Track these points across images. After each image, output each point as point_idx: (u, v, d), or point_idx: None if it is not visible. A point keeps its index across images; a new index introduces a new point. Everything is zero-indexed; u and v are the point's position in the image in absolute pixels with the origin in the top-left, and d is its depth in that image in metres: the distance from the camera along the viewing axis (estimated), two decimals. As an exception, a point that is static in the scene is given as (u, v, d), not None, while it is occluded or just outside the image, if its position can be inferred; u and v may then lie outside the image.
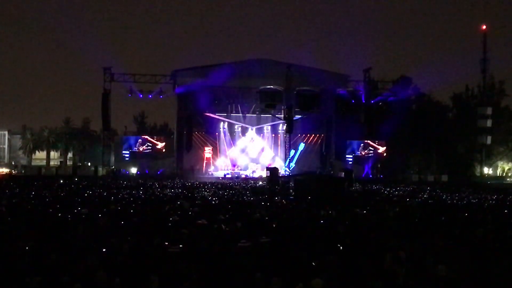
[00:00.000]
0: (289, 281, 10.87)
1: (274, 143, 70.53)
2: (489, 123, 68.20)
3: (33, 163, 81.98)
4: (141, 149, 65.23)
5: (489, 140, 68.94)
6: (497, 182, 64.17)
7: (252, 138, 70.03)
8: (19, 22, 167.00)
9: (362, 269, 12.24)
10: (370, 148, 68.19)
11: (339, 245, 14.33)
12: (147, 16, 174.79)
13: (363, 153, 68.27)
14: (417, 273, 12.57)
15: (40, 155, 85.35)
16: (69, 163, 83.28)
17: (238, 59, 65.52)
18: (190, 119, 67.09)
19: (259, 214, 21.00)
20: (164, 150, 66.16)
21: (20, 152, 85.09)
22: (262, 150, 69.93)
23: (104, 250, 13.21)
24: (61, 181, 47.08)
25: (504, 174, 76.57)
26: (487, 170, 73.54)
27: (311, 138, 70.38)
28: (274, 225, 17.99)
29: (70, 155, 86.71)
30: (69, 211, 21.04)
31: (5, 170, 70.21)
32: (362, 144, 68.23)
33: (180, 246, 13.63)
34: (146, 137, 67.23)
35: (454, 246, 14.33)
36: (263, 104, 65.94)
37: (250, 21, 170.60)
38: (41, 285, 10.57)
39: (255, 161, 68.84)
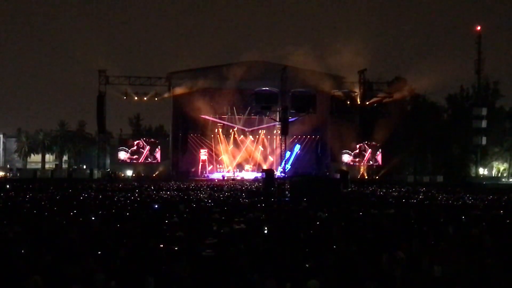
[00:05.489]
0: (285, 283, 10.87)
1: (269, 145, 70.52)
2: (484, 123, 68.40)
3: (28, 166, 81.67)
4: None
5: (484, 140, 69.16)
6: (492, 183, 64.40)
7: (247, 140, 70.01)
8: (13, 25, 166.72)
9: (359, 269, 12.25)
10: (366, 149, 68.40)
11: (335, 246, 14.34)
12: (142, 19, 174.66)
13: (359, 155, 68.44)
14: (413, 273, 12.59)
15: (35, 158, 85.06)
16: (65, 166, 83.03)
17: (233, 61, 65.47)
18: (185, 121, 67.08)
19: (253, 215, 21.00)
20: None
21: (15, 155, 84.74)
22: (258, 152, 69.91)
23: (99, 253, 13.19)
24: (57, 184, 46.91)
25: (499, 175, 76.83)
26: (482, 171, 73.80)
27: (307, 139, 70.48)
28: (268, 227, 17.96)
29: (65, 158, 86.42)
30: (65, 214, 20.98)
31: (0, 173, 69.94)
32: (357, 146, 68.41)
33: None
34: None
35: (449, 247, 14.35)
36: (259, 106, 66.05)
37: (245, 23, 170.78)
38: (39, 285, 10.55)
39: (250, 163, 68.88)
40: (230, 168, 68.04)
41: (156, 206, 25.08)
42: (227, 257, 13.09)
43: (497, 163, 77.79)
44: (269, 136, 70.70)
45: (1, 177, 64.18)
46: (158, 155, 66.03)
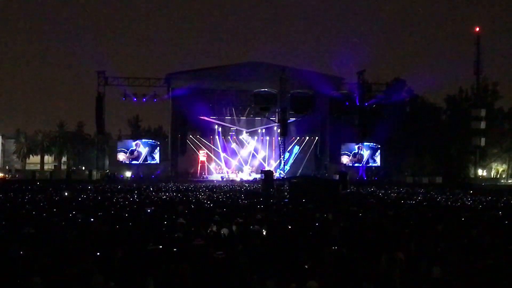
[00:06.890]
0: (284, 284, 10.87)
1: (268, 146, 70.58)
2: (482, 125, 68.26)
3: (27, 167, 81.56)
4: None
5: (483, 141, 69.03)
6: (491, 184, 64.38)
7: (246, 141, 70.04)
8: (12, 26, 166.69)
9: (357, 270, 12.25)
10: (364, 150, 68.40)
11: (334, 247, 14.33)
12: (141, 20, 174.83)
13: (358, 156, 68.42)
14: (412, 274, 12.60)
15: (34, 159, 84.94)
16: (63, 167, 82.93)
17: (232, 62, 65.60)
18: (184, 122, 67.10)
19: (260, 216, 21.01)
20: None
21: (14, 156, 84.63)
22: (257, 153, 69.95)
23: (98, 254, 13.19)
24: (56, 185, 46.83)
25: (498, 176, 76.79)
26: (481, 172, 73.74)
27: (306, 140, 70.51)
28: (267, 228, 17.96)
29: (64, 159, 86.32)
30: (64, 216, 20.96)
31: (-1, 175, 69.86)
32: (356, 146, 68.39)
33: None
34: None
35: (448, 248, 14.37)
36: (258, 107, 66.06)
37: (244, 24, 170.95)
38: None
39: (249, 164, 68.88)
40: (229, 169, 68.04)
41: (149, 210, 23.72)
42: (227, 258, 13.08)
43: (496, 164, 77.73)
44: (268, 137, 70.74)
45: (0, 178, 64.09)
46: (157, 156, 65.93)
